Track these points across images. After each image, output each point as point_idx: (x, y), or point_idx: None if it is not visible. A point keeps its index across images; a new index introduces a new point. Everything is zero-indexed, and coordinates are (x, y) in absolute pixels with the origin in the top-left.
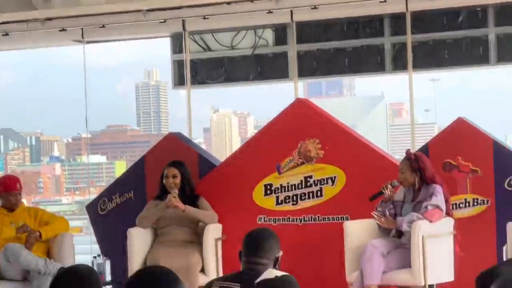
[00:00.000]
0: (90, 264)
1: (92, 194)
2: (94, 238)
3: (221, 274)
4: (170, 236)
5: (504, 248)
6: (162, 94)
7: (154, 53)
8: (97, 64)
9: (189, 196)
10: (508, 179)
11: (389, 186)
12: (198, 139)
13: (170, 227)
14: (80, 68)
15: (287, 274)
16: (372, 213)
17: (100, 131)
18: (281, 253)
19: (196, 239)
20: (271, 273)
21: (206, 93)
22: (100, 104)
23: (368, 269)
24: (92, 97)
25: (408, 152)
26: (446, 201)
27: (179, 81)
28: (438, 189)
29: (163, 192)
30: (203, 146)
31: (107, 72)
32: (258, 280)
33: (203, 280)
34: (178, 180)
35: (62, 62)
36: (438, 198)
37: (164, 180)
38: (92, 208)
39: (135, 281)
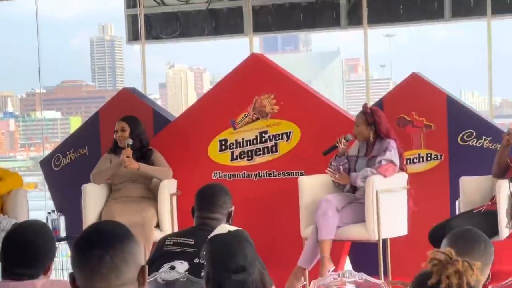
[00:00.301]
0: (44, 220)
1: (47, 150)
2: (49, 194)
3: (176, 230)
4: (125, 192)
5: (456, 202)
6: (117, 49)
7: (108, 7)
8: (50, 18)
9: (141, 151)
10: (461, 134)
11: (343, 140)
12: (153, 94)
13: (124, 183)
14: (33, 22)
15: (240, 228)
16: (326, 170)
17: (54, 86)
18: (233, 208)
19: (151, 194)
20: (224, 228)
21: (162, 48)
22: (54, 59)
23: (322, 224)
24: (46, 52)
25: (365, 106)
26: (400, 156)
27: (134, 36)
28: (392, 143)
29: (116, 147)
30: (159, 102)
31: (61, 26)
32: (211, 235)
33: (158, 235)
34: (126, 134)
35: (15, 15)
36: (392, 152)
37: (114, 134)
38: (46, 164)
39: (87, 235)
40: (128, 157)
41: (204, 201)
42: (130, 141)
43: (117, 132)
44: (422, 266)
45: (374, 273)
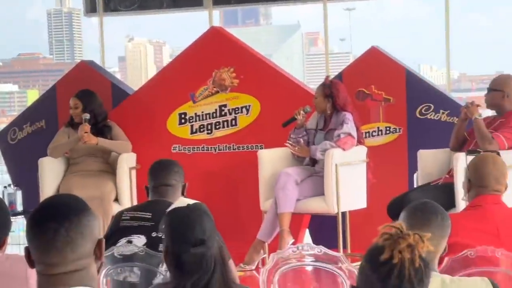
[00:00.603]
0: (0, 195)
1: (3, 124)
2: (5, 168)
3: (135, 203)
4: (83, 166)
5: (415, 175)
6: (75, 21)
7: None
8: None
9: (96, 126)
10: (419, 108)
11: (302, 111)
12: (113, 68)
13: (82, 157)
14: None
15: (199, 202)
16: (285, 143)
17: (11, 59)
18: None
19: (110, 168)
20: (183, 201)
21: (121, 20)
22: (11, 31)
23: (281, 197)
24: (2, 24)
25: (326, 78)
26: (357, 129)
27: (91, 8)
28: (348, 116)
29: (73, 120)
30: (118, 75)
31: None
32: (170, 208)
33: (117, 209)
34: (78, 111)
35: None
36: (349, 125)
37: (70, 110)
38: (2, 138)
39: (42, 208)
40: (86, 132)
41: (158, 170)
42: (87, 116)
43: (71, 108)
44: (374, 241)
45: (333, 246)
